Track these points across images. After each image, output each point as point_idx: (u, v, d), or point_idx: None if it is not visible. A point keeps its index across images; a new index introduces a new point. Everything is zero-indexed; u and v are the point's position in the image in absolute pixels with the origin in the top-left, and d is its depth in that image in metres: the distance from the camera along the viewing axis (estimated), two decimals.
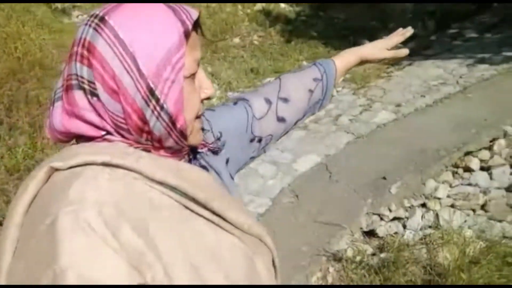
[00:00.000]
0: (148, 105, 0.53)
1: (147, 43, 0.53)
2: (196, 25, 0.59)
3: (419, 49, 6.17)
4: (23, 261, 0.46)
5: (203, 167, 0.68)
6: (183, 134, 0.57)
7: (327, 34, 6.84)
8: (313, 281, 2.18)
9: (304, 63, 6.04)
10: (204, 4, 7.25)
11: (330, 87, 0.94)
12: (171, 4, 0.57)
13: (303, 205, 2.77)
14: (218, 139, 0.75)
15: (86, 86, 0.54)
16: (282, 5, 8.52)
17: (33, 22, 5.10)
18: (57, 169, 0.52)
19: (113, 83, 0.53)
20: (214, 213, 0.56)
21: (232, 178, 0.79)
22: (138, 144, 0.57)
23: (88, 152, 0.53)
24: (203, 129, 0.71)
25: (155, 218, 0.51)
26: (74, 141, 0.59)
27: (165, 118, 0.54)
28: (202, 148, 0.69)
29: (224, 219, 0.57)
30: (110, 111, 0.54)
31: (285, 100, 0.87)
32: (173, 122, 0.55)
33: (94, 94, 0.54)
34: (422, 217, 2.57)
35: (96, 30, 0.53)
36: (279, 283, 0.67)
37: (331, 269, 2.25)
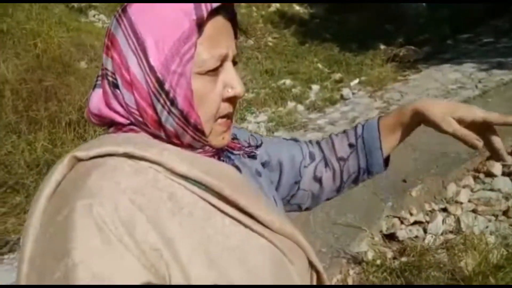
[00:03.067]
0: (158, 100, 0.51)
1: (157, 33, 0.51)
2: (224, 14, 0.55)
3: (435, 53, 6.13)
4: (41, 249, 0.46)
5: (236, 167, 0.64)
6: (199, 130, 0.54)
7: (342, 37, 6.82)
8: (334, 283, 2.16)
9: (319, 65, 6.02)
10: None
11: (371, 154, 0.76)
12: None
13: (322, 206, 2.74)
14: (257, 146, 0.72)
15: (109, 78, 0.54)
16: (297, 7, 8.52)
17: (52, 20, 5.16)
18: (80, 159, 0.51)
19: (128, 75, 0.52)
20: (242, 211, 0.53)
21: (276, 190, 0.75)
22: (159, 138, 0.55)
23: (111, 142, 0.52)
24: (235, 138, 0.68)
25: (176, 214, 0.48)
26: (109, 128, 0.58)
27: (176, 113, 0.52)
28: (238, 151, 0.66)
29: (254, 218, 0.53)
30: (127, 103, 0.53)
31: (326, 163, 0.80)
32: (185, 117, 0.52)
33: (115, 85, 0.53)
34: (443, 221, 2.53)
35: (118, 21, 0.53)
36: (322, 284, 0.63)
37: (351, 272, 2.23)
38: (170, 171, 0.50)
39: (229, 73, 0.55)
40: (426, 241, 2.42)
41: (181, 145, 0.55)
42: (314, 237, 2.46)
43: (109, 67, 0.53)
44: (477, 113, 0.67)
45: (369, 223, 2.49)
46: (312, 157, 0.80)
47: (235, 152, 0.65)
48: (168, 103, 0.51)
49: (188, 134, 0.53)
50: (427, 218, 2.55)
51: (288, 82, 5.39)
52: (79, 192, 0.46)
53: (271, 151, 0.76)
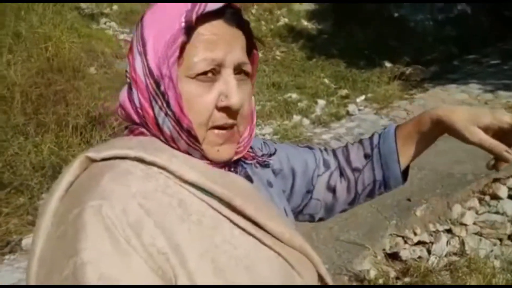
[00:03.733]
0: (156, 101, 0.53)
1: (155, 36, 0.52)
2: (228, 20, 0.54)
3: (441, 73, 6.16)
4: (51, 247, 0.46)
5: (248, 177, 0.63)
6: (192, 136, 0.53)
7: (349, 53, 6.86)
8: None
9: (326, 80, 6.06)
10: None
11: (388, 166, 0.72)
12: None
13: (325, 222, 2.73)
14: (270, 155, 0.71)
15: (128, 79, 0.56)
16: (305, 22, 8.60)
17: (64, 25, 5.23)
18: (93, 160, 0.51)
19: (135, 77, 0.54)
20: (251, 221, 0.52)
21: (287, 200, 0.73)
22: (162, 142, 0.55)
23: (123, 145, 0.52)
24: (255, 150, 0.68)
25: (185, 221, 0.48)
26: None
27: (171, 115, 0.52)
28: (251, 160, 0.66)
29: (263, 228, 0.53)
30: (136, 105, 0.55)
31: (341, 172, 0.77)
32: (178, 120, 0.52)
33: (130, 86, 0.56)
34: (448, 243, 2.51)
35: (136, 26, 0.56)
36: None
37: None
38: (180, 179, 0.50)
39: (226, 82, 0.53)
40: (429, 262, 2.40)
41: (180, 150, 0.54)
42: (316, 252, 2.45)
43: (128, 69, 0.56)
44: (504, 120, 0.62)
45: (372, 241, 2.47)
46: (326, 165, 0.77)
47: (247, 161, 0.65)
48: (165, 105, 0.52)
49: (182, 139, 0.53)
50: (431, 239, 2.54)
51: (294, 95, 5.41)
52: (91, 193, 0.47)
53: (284, 158, 0.75)
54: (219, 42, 0.53)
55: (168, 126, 0.53)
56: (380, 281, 2.22)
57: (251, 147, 0.67)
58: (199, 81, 0.52)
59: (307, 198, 0.77)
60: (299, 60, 6.90)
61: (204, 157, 0.55)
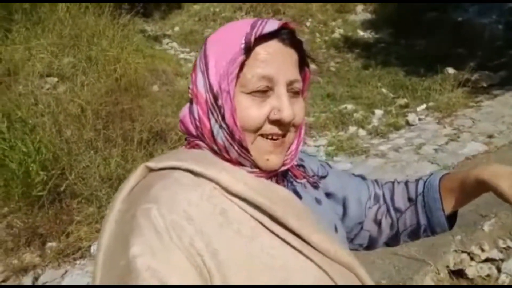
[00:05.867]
0: (213, 114, 0.58)
1: (217, 54, 0.58)
2: (282, 39, 0.58)
3: (511, 78, 5.70)
4: (114, 241, 0.54)
5: (296, 193, 0.66)
6: (243, 147, 0.57)
7: (408, 61, 6.62)
8: None
9: (383, 90, 5.88)
10: None
11: (432, 213, 0.74)
12: (263, 18, 0.59)
13: None
14: (322, 177, 0.74)
15: (190, 95, 0.62)
16: (361, 32, 8.46)
17: (130, 48, 5.66)
18: (151, 169, 0.59)
19: (196, 92, 0.59)
20: (294, 233, 0.55)
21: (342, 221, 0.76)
22: (216, 154, 0.60)
23: (178, 158, 0.59)
24: (302, 166, 0.71)
25: (225, 229, 0.52)
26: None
27: (225, 127, 0.57)
28: (301, 180, 0.69)
29: (306, 242, 0.55)
30: (195, 117, 0.60)
31: (387, 208, 0.80)
32: (231, 132, 0.57)
33: (191, 101, 0.62)
34: None
35: (200, 48, 0.62)
36: None
37: None
38: (226, 190, 0.55)
39: (279, 97, 0.58)
40: (499, 281, 2.21)
41: (232, 161, 0.59)
42: (373, 268, 2.36)
43: (190, 85, 0.62)
44: None
45: (434, 257, 2.33)
46: (376, 199, 0.81)
47: (298, 180, 0.68)
48: (220, 117, 0.57)
49: (234, 149, 0.58)
50: (501, 256, 2.33)
51: (350, 106, 5.32)
52: (144, 197, 0.54)
53: (338, 185, 0.78)
54: (273, 60, 0.57)
55: (221, 137, 0.58)
56: None
57: (303, 167, 0.71)
58: (253, 97, 0.57)
59: (358, 229, 0.80)
60: (354, 70, 6.78)
61: (254, 166, 0.59)
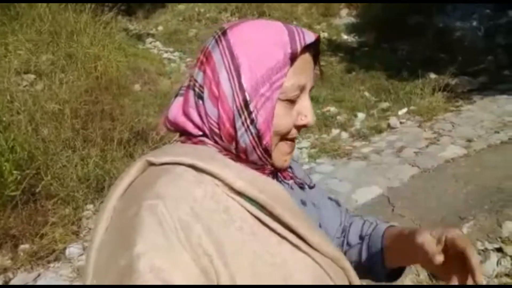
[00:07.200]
0: (240, 116, 0.56)
1: (253, 58, 0.56)
2: (310, 50, 0.60)
3: (491, 84, 5.83)
4: (110, 239, 0.51)
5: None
6: (267, 152, 0.58)
7: (391, 66, 6.70)
8: None
9: (366, 93, 5.94)
10: None
11: (373, 257, 0.75)
12: (290, 24, 0.59)
13: None
14: (310, 187, 0.76)
15: (196, 89, 0.59)
16: (345, 35, 8.54)
17: (112, 46, 5.56)
18: (151, 164, 0.56)
19: (216, 90, 0.57)
20: (290, 230, 0.55)
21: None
22: (227, 151, 0.59)
23: (180, 152, 0.57)
24: (290, 167, 0.71)
25: (229, 227, 0.52)
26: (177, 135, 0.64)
27: (252, 131, 0.56)
28: (289, 180, 0.70)
29: (301, 238, 0.56)
30: (208, 115, 0.58)
31: (343, 239, 0.83)
32: (259, 137, 0.57)
33: (200, 96, 0.59)
34: (498, 263, 2.32)
35: (216, 41, 0.59)
36: None
37: None
38: (228, 187, 0.54)
39: (304, 102, 0.61)
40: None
41: (244, 161, 0.59)
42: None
43: (199, 80, 0.59)
44: (464, 246, 0.58)
45: None
46: (343, 231, 0.84)
47: (286, 180, 0.70)
48: (248, 121, 0.56)
49: (256, 153, 0.58)
50: (480, 258, 2.36)
51: (333, 109, 5.34)
52: (148, 193, 0.51)
53: (320, 201, 0.80)
54: (305, 69, 0.60)
55: (245, 140, 0.57)
56: None
57: (291, 168, 0.73)
58: (285, 103, 0.59)
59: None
60: (338, 73, 6.83)
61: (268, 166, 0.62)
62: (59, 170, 3.08)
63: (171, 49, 7.62)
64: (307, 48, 0.59)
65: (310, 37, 0.58)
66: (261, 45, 0.57)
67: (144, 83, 5.57)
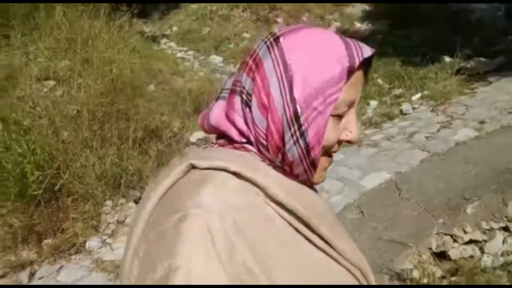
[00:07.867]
0: (290, 128, 0.54)
1: (307, 69, 0.54)
2: (365, 65, 0.58)
3: (508, 65, 5.66)
4: (147, 243, 0.51)
5: None
6: (314, 165, 0.56)
7: (404, 52, 6.60)
8: None
9: (379, 81, 5.88)
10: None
11: None
12: (347, 37, 0.57)
13: (368, 221, 2.68)
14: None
15: (244, 96, 0.57)
16: (358, 23, 8.45)
17: (127, 49, 5.73)
18: (194, 167, 0.55)
19: (266, 100, 0.55)
20: (323, 239, 0.56)
21: None
22: (271, 162, 0.58)
23: (224, 158, 0.56)
24: None
25: (269, 238, 0.52)
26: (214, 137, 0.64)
27: (301, 144, 0.54)
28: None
29: (332, 248, 0.57)
30: (256, 124, 0.56)
31: None
32: (308, 150, 0.55)
33: (247, 104, 0.57)
34: (504, 241, 2.32)
35: (268, 48, 0.56)
36: None
37: None
38: (269, 197, 0.54)
39: (351, 117, 0.59)
40: (482, 262, 2.24)
41: (287, 173, 0.58)
42: None
43: (247, 87, 0.57)
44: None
45: (417, 240, 2.37)
46: None
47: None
48: (298, 134, 0.54)
49: (303, 166, 0.56)
50: (485, 237, 2.36)
51: None
52: (192, 200, 0.51)
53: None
54: (357, 84, 0.58)
55: (293, 153, 0.55)
56: (425, 281, 2.13)
57: None
58: (334, 118, 0.57)
59: None
60: None
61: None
62: (78, 169, 3.26)
63: (185, 48, 7.78)
64: (362, 62, 0.56)
65: (367, 52, 0.56)
66: (316, 56, 0.54)
67: (158, 83, 5.73)
